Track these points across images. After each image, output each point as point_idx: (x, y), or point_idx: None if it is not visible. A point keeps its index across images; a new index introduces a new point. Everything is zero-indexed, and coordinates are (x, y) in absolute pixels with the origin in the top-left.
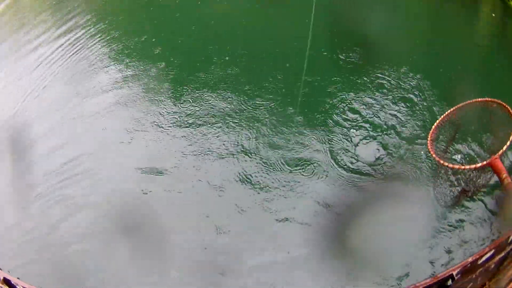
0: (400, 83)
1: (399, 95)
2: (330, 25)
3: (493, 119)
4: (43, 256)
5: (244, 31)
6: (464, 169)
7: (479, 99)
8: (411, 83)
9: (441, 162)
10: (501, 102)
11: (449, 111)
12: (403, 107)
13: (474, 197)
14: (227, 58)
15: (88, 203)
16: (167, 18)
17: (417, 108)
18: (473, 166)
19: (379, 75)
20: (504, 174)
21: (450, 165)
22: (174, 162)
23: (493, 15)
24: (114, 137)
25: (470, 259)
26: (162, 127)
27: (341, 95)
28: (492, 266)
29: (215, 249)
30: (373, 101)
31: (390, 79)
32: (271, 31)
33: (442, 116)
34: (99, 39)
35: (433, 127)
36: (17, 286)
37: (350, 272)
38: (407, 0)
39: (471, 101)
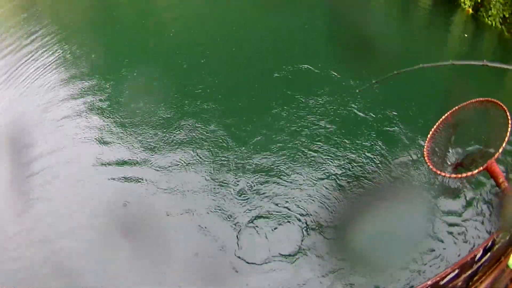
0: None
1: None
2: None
3: (489, 121)
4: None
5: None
6: (461, 177)
7: (473, 100)
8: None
9: (439, 172)
10: (496, 101)
11: (443, 117)
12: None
13: (472, 201)
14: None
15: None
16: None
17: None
18: (469, 173)
19: None
20: (501, 179)
21: (448, 175)
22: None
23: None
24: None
25: (429, 282)
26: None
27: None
28: (459, 283)
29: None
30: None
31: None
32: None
33: (437, 123)
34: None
35: (428, 136)
36: None
37: None
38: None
39: (464, 103)
